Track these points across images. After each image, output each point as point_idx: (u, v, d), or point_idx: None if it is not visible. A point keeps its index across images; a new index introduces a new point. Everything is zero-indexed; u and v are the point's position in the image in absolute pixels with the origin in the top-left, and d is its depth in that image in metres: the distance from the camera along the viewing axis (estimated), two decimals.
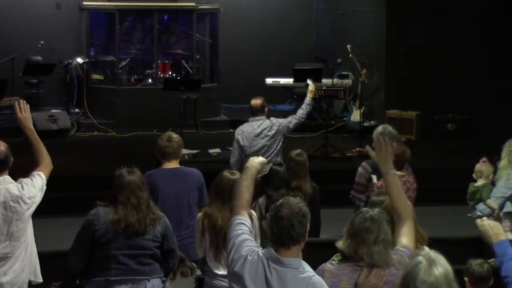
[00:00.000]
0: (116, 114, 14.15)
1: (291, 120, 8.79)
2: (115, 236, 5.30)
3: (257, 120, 8.66)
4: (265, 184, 6.85)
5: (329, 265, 4.28)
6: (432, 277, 3.33)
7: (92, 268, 5.39)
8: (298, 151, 7.51)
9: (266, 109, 8.84)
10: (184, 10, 15.10)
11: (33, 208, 5.38)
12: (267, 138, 8.58)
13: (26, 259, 5.41)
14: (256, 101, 8.75)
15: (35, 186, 5.37)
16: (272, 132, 8.59)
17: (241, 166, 8.16)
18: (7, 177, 5.36)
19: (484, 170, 7.70)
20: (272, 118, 8.80)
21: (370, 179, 7.16)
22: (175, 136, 6.91)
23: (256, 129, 8.60)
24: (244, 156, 8.53)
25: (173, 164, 6.80)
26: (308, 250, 6.60)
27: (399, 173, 6.77)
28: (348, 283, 4.19)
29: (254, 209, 6.76)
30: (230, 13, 15.13)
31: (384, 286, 4.16)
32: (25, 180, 5.38)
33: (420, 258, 3.40)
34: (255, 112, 8.70)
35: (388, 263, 4.19)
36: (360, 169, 7.39)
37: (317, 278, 3.99)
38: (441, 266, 3.36)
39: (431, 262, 3.37)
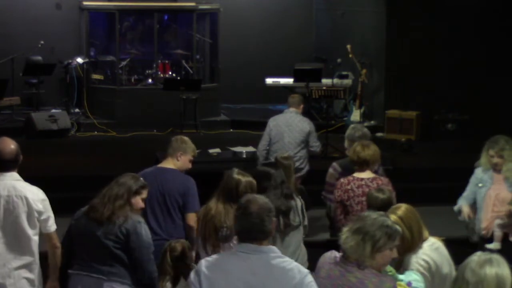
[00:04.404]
0: (116, 114, 14.15)
1: None
2: (85, 228, 5.30)
3: None
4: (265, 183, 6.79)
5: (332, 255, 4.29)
6: (482, 273, 3.31)
7: (69, 261, 5.46)
8: (285, 154, 7.59)
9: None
10: (184, 10, 15.10)
11: (35, 213, 5.45)
12: None
13: None
14: None
15: (48, 210, 5.48)
16: None
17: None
18: (14, 174, 5.44)
19: None
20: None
21: (339, 179, 7.24)
22: (180, 137, 6.88)
23: None
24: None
25: (166, 164, 6.73)
26: (308, 250, 6.63)
27: (370, 174, 6.75)
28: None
29: None
30: (230, 13, 15.13)
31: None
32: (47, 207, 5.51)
33: (481, 253, 3.40)
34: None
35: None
36: (330, 170, 7.55)
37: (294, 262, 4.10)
38: (497, 268, 3.33)
39: (489, 260, 3.34)
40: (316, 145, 9.43)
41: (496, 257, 3.38)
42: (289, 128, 9.28)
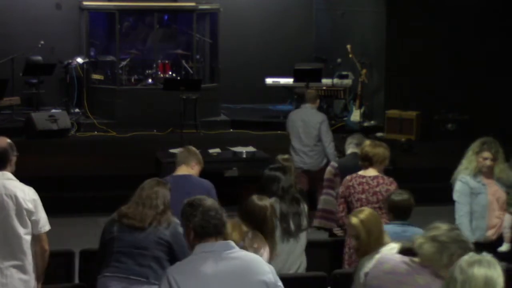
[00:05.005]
0: (116, 114, 14.15)
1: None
2: (119, 232, 5.29)
3: None
4: (272, 185, 6.71)
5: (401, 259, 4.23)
6: (470, 272, 3.29)
7: (100, 266, 5.40)
8: (286, 156, 7.63)
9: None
10: (184, 10, 15.10)
11: (25, 212, 5.40)
12: None
13: None
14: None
15: (39, 211, 5.41)
16: None
17: None
18: (6, 173, 5.40)
19: None
20: None
21: (336, 175, 7.48)
22: (192, 148, 6.96)
23: None
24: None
25: (182, 171, 6.76)
26: (311, 250, 6.62)
27: (373, 173, 6.74)
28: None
29: None
30: (230, 13, 15.13)
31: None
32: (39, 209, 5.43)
33: (473, 253, 3.37)
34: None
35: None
36: (328, 167, 7.89)
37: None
38: (487, 269, 3.30)
39: (479, 260, 3.31)
40: (325, 140, 9.44)
41: (488, 258, 3.36)
42: (304, 122, 9.53)
